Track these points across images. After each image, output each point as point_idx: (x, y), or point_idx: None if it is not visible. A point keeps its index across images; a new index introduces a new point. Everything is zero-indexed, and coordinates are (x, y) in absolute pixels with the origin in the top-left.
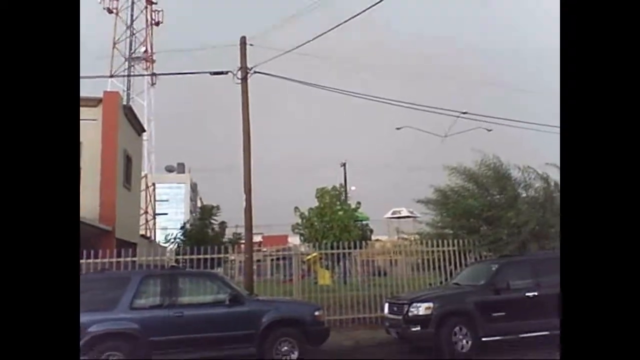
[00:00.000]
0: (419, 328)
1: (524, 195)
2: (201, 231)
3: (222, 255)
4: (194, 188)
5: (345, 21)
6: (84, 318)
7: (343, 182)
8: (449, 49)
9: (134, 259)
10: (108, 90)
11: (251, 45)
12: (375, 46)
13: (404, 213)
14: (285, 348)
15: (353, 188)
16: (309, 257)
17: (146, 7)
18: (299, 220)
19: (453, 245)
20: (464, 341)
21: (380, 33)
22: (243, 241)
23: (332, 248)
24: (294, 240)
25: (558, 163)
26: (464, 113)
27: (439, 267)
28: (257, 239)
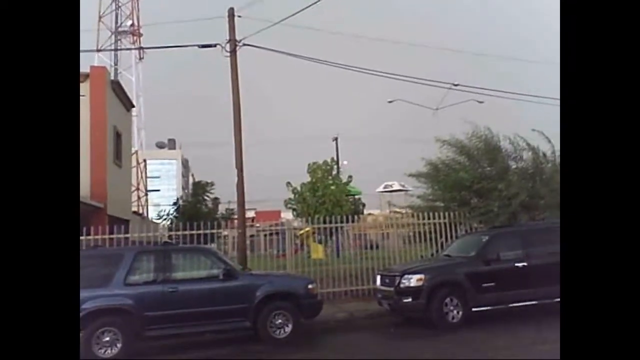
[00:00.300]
0: (410, 299)
1: (514, 166)
2: (194, 207)
3: (215, 231)
4: (185, 164)
5: None
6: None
7: (335, 156)
8: (441, 19)
9: (126, 235)
10: (95, 65)
11: (239, 17)
12: (367, 17)
13: (396, 187)
14: (279, 321)
15: (345, 162)
16: (301, 231)
17: None
18: (292, 196)
19: (444, 218)
20: (455, 312)
21: (371, 4)
22: (236, 217)
23: (324, 222)
24: (287, 215)
25: (549, 132)
26: (456, 85)
27: (430, 239)
28: (250, 214)
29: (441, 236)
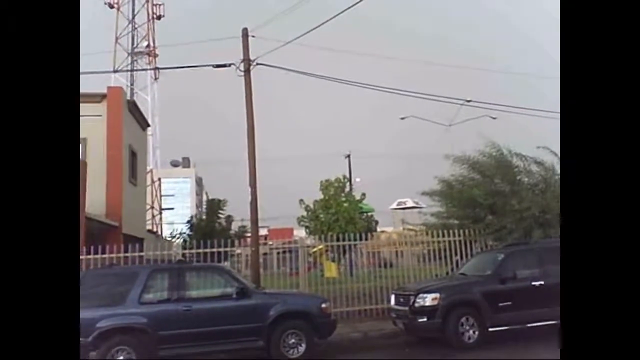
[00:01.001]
0: (425, 319)
1: (526, 181)
2: (208, 225)
3: (228, 249)
4: (199, 182)
5: (345, 9)
6: (92, 313)
7: (347, 173)
8: (453, 36)
9: (141, 254)
10: (111, 85)
11: (253, 37)
12: (379, 35)
13: (409, 204)
14: (293, 340)
15: (358, 179)
16: (315, 249)
17: (147, 1)
18: (304, 213)
19: (458, 236)
20: (471, 331)
21: (383, 21)
22: (249, 234)
23: (337, 240)
24: (300, 233)
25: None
26: (469, 101)
27: (445, 257)
28: (263, 232)
29: (456, 254)
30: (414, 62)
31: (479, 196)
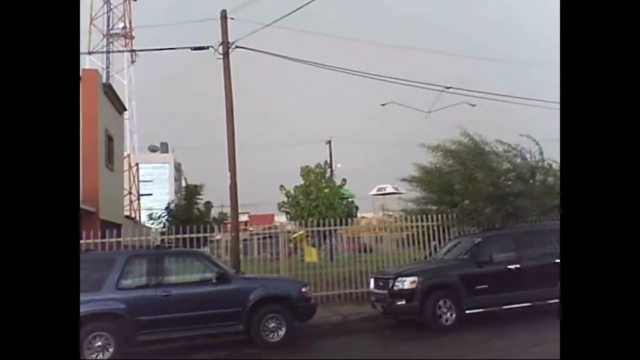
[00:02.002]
0: (404, 302)
1: (505, 167)
2: (186, 211)
3: (208, 235)
4: (178, 168)
5: None
6: None
7: (328, 159)
8: (433, 21)
9: (118, 239)
10: (86, 68)
11: (232, 19)
12: (359, 20)
13: (389, 190)
14: (273, 325)
15: (339, 165)
16: (295, 235)
17: None
18: (285, 199)
19: (436, 221)
20: (448, 314)
21: (364, 6)
22: (229, 220)
23: (318, 226)
24: (280, 218)
25: (539, 133)
26: (448, 88)
27: (423, 242)
28: (243, 218)
29: (434, 239)
30: (395, 47)
31: (455, 182)
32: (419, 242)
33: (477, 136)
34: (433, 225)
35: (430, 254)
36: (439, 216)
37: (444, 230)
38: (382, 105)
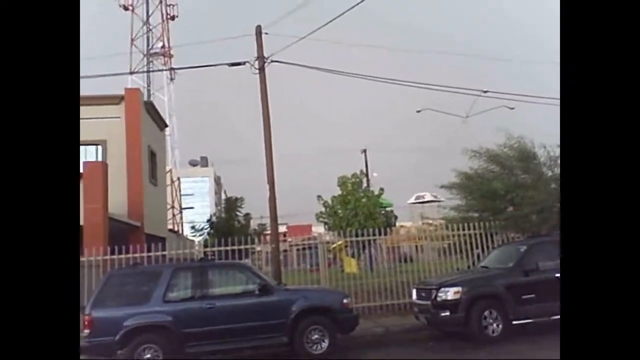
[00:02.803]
0: (448, 313)
1: (550, 174)
2: (227, 223)
3: (248, 246)
4: (217, 181)
5: (358, 3)
6: (119, 312)
7: (364, 168)
8: (469, 26)
9: (163, 253)
10: (129, 87)
11: (266, 34)
12: (392, 28)
13: (428, 198)
14: (316, 336)
15: (375, 174)
16: (334, 245)
17: (161, 2)
18: (323, 209)
19: (479, 228)
20: (495, 325)
21: (398, 15)
22: (268, 232)
23: (357, 236)
24: (318, 229)
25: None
26: (485, 92)
27: (466, 250)
28: (282, 229)
29: (477, 247)
30: (428, 54)
31: (499, 189)
32: (461, 251)
33: (524, 140)
34: (475, 234)
35: (474, 263)
36: (482, 224)
37: (487, 238)
38: (418, 111)
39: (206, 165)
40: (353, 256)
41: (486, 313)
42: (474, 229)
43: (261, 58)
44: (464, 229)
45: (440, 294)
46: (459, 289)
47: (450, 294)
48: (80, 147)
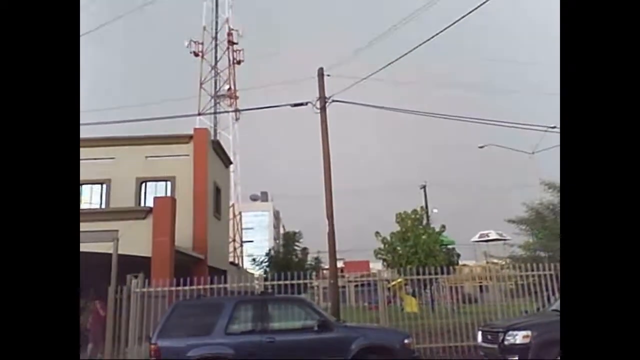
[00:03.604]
0: (516, 358)
1: None
2: (285, 257)
3: (306, 281)
4: (276, 215)
5: (417, 47)
6: (184, 342)
7: (424, 204)
8: (531, 62)
9: (225, 285)
10: (197, 127)
11: (328, 75)
12: (455, 64)
13: (493, 236)
14: None
15: (435, 210)
16: (393, 282)
17: (228, 48)
18: (381, 245)
19: (549, 269)
20: None
21: (459, 50)
22: (325, 266)
23: (417, 273)
24: (376, 265)
25: None
26: (553, 127)
27: (535, 292)
28: (339, 264)
29: (547, 289)
30: (491, 90)
31: None
32: (529, 293)
33: None
34: (545, 275)
35: (543, 305)
36: (552, 264)
37: (558, 279)
38: (480, 147)
39: (266, 200)
40: (413, 295)
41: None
42: (544, 269)
43: (322, 98)
44: (532, 269)
45: (508, 337)
46: (529, 332)
47: (519, 337)
48: (151, 182)
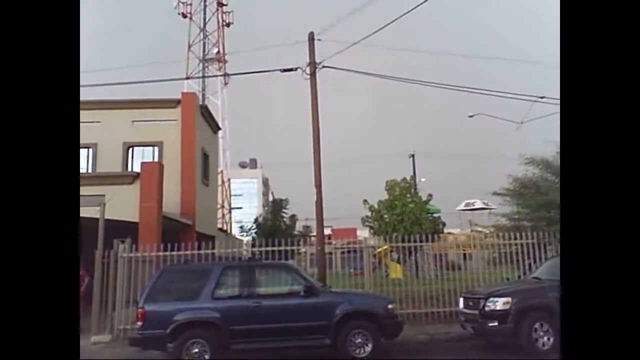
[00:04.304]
0: (496, 323)
1: None
2: (273, 224)
3: (294, 248)
4: (265, 182)
5: (410, 10)
6: (170, 307)
7: (412, 173)
8: (522, 30)
9: (213, 251)
10: (185, 91)
11: (319, 40)
12: (446, 32)
13: (478, 205)
14: (359, 340)
15: (423, 179)
16: (379, 250)
17: (217, 10)
18: (369, 213)
19: (532, 238)
20: (545, 337)
21: (448, 19)
22: (313, 234)
23: (403, 241)
24: (363, 233)
25: None
26: (542, 98)
27: (517, 260)
28: (326, 231)
29: (528, 257)
30: (481, 59)
31: (556, 199)
32: (511, 261)
33: None
34: (528, 243)
35: (524, 273)
36: (535, 233)
37: (539, 248)
38: (470, 116)
39: (255, 167)
40: (398, 262)
41: (537, 325)
42: (527, 238)
43: (313, 64)
44: (515, 238)
45: (488, 304)
46: (509, 299)
47: (500, 304)
48: (139, 147)
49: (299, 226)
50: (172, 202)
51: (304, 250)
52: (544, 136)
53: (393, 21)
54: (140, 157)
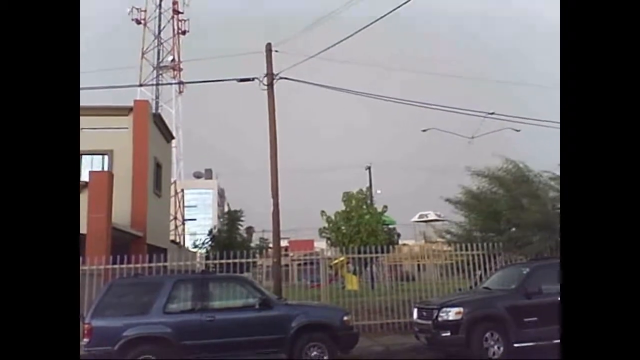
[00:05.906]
0: (449, 333)
1: (552, 195)
2: (229, 236)
3: (250, 260)
4: (221, 193)
5: (368, 25)
6: (119, 322)
7: (369, 185)
8: (474, 49)
9: (165, 264)
10: (138, 99)
11: (276, 51)
12: (401, 49)
13: (431, 216)
14: (315, 353)
15: (379, 191)
16: (335, 261)
17: (173, 17)
18: (326, 224)
19: (482, 249)
20: (496, 347)
21: (405, 35)
22: (271, 246)
23: (359, 252)
24: (320, 244)
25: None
26: (491, 114)
27: (468, 271)
28: (283, 243)
29: (479, 268)
30: (435, 75)
31: (502, 209)
32: (463, 271)
33: (522, 164)
34: (478, 254)
35: (476, 283)
36: (485, 244)
37: (489, 259)
38: (423, 131)
39: (210, 178)
40: (354, 273)
41: (487, 335)
42: (477, 249)
43: (270, 75)
44: (466, 249)
45: (441, 314)
46: (461, 309)
47: (452, 314)
48: (87, 156)
49: (255, 238)
50: (122, 213)
51: (260, 262)
52: (493, 150)
53: (349, 36)
54: (88, 166)
